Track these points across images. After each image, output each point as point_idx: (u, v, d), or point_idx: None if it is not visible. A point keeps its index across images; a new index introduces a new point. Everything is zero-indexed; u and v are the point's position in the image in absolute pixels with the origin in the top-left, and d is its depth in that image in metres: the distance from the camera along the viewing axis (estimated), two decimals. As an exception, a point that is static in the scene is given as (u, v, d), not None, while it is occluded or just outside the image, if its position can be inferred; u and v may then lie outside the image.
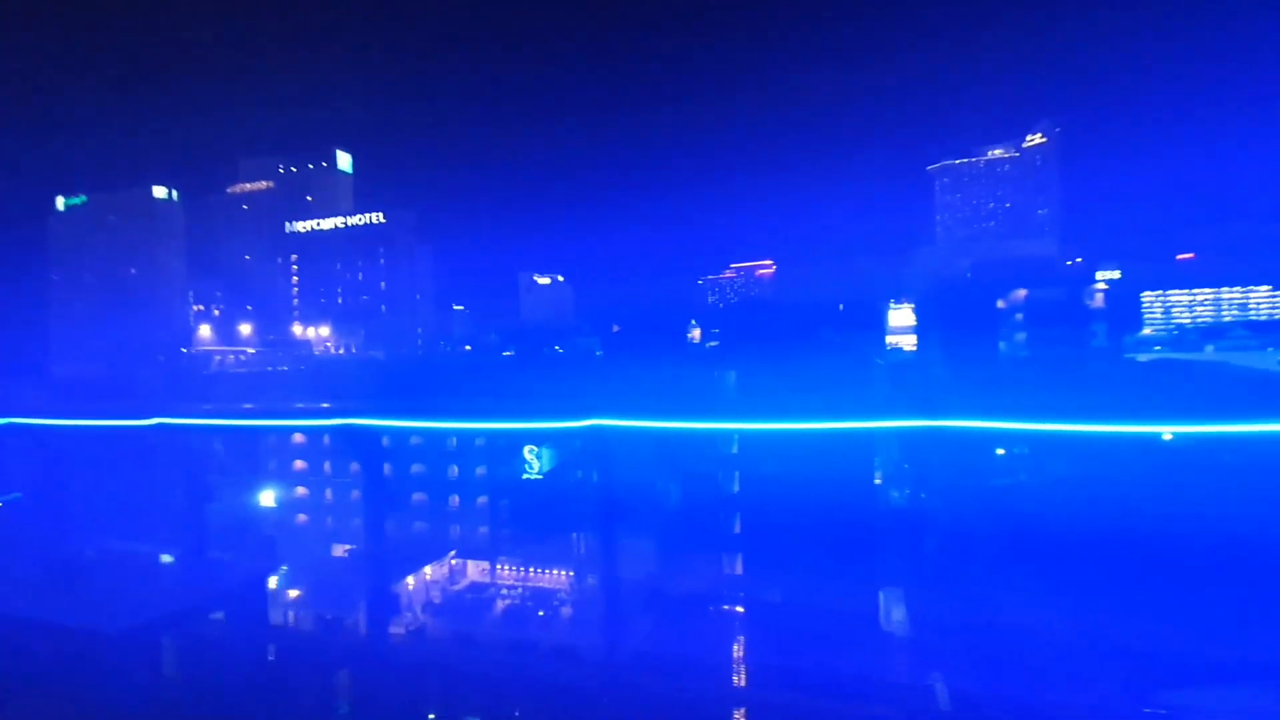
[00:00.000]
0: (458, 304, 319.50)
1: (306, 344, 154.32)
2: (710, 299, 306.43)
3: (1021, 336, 72.31)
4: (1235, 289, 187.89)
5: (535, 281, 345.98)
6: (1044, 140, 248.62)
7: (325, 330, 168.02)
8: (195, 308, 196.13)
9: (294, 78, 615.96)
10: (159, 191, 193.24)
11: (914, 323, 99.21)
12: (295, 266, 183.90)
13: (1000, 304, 73.06)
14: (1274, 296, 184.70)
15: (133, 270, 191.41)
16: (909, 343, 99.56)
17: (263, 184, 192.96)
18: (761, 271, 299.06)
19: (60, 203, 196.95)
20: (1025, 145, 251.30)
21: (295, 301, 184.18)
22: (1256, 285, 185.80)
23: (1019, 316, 72.73)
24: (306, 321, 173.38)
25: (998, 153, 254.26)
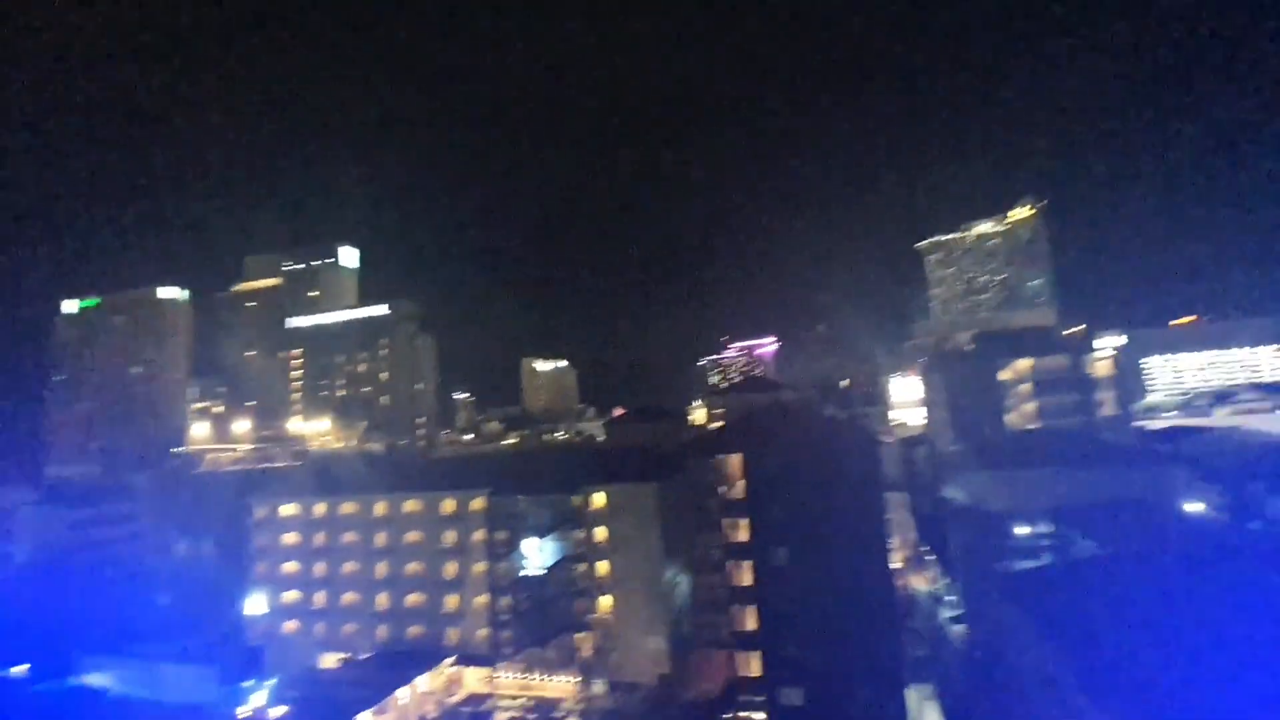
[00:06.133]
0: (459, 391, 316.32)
1: (303, 439, 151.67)
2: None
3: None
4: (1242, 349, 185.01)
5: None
6: (1032, 211, 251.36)
7: (327, 421, 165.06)
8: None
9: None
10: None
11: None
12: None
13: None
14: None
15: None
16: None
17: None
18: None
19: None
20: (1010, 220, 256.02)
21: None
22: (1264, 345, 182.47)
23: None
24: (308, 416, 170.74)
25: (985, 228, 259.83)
